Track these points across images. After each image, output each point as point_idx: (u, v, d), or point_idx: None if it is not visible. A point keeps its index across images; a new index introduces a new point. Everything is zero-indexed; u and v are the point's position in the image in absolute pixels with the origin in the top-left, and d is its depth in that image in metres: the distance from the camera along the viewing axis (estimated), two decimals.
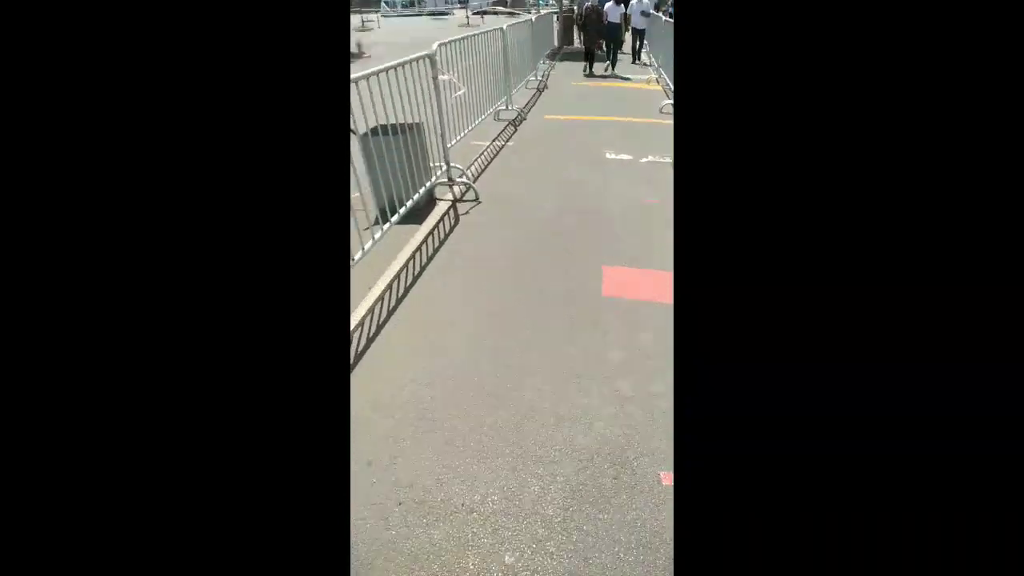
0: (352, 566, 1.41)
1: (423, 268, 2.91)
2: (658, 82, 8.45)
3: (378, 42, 15.24)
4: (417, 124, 3.45)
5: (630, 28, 10.12)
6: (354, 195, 2.44)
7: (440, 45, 3.72)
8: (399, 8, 37.36)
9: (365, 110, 2.65)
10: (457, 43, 4.27)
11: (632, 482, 1.64)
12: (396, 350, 2.27)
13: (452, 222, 3.49)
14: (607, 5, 9.14)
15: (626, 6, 9.80)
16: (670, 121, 6.04)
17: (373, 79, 2.69)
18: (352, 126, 2.56)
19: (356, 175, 2.65)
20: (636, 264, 2.92)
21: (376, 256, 2.83)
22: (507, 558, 1.44)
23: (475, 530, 1.51)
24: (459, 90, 3.81)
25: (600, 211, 3.61)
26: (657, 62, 9.38)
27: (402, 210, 3.14)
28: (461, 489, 1.64)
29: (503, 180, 4.22)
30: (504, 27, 5.87)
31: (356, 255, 2.57)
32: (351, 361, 2.20)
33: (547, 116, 6.32)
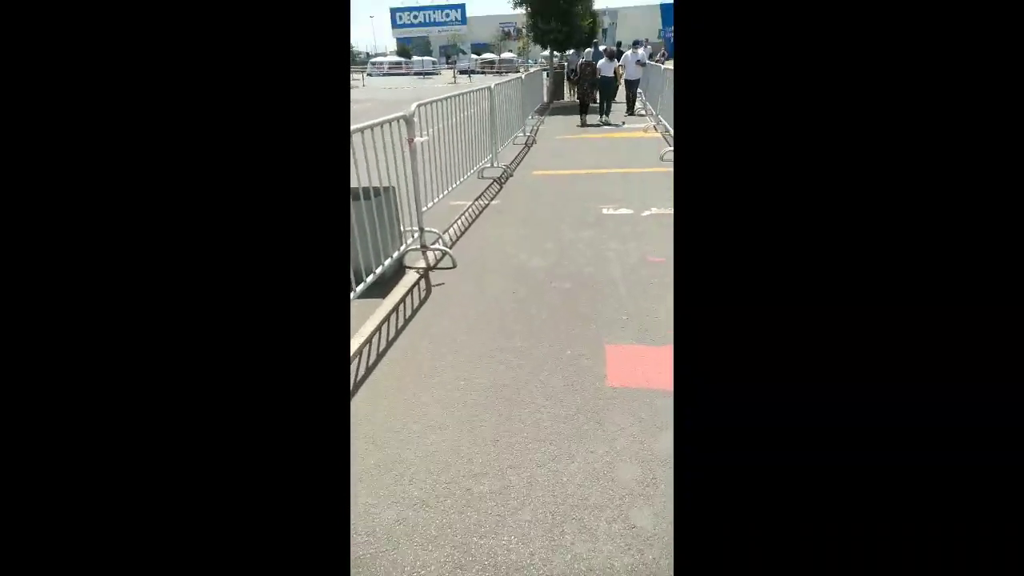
0: None
1: (380, 355, 2.48)
2: (656, 129, 8.41)
3: (359, 99, 15.68)
4: (388, 188, 3.16)
5: (623, 80, 10.32)
6: None
7: (419, 105, 3.51)
8: (386, 67, 39.34)
9: None
10: (439, 103, 4.09)
11: None
12: None
13: (422, 295, 3.10)
14: (600, 61, 9.67)
15: (619, 59, 10.14)
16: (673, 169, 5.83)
17: None
18: None
19: None
20: (646, 338, 2.49)
21: None
22: None
23: None
24: (422, 137, 3.56)
25: (598, 275, 3.22)
26: (655, 109, 9.44)
27: (360, 287, 2.76)
28: None
29: (484, 243, 3.88)
30: (492, 85, 5.80)
31: None
32: None
33: (536, 172, 6.13)
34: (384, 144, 2.99)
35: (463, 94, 4.85)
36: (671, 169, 5.79)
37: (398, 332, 2.69)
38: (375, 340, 2.62)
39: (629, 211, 4.43)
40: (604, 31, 18.10)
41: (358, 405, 2.13)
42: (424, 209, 3.74)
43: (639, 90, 10.47)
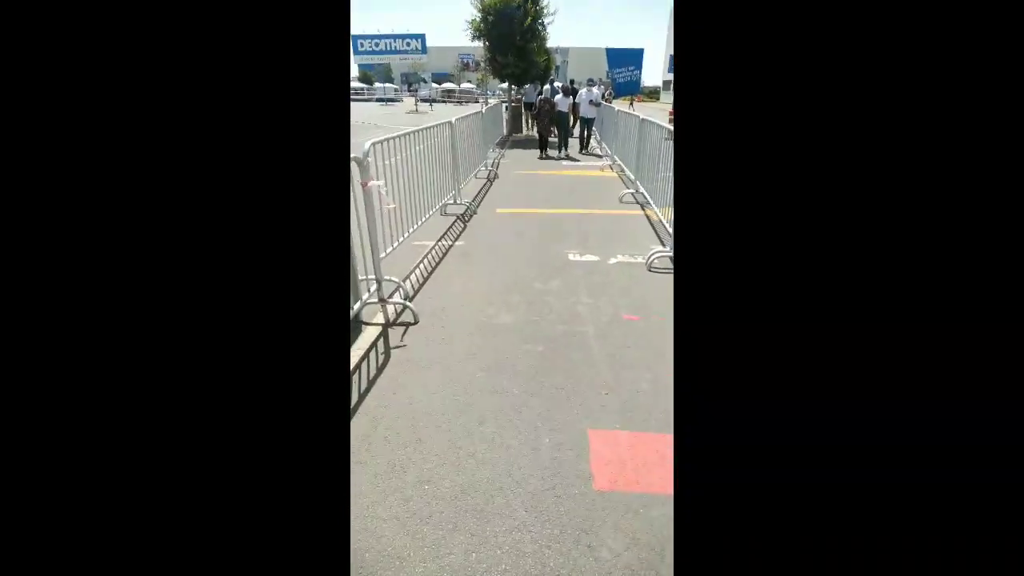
0: None
1: None
2: (612, 168, 8.33)
3: None
4: None
5: (579, 118, 10.28)
6: None
7: (373, 144, 3.12)
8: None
9: None
10: (395, 140, 3.71)
11: None
12: None
13: (380, 360, 2.67)
14: (557, 97, 9.97)
15: (574, 97, 10.17)
16: (632, 211, 5.67)
17: None
18: None
19: None
20: (631, 420, 2.17)
21: None
22: None
23: None
24: (389, 204, 3.17)
25: (571, 335, 2.91)
26: (610, 150, 9.40)
27: None
28: None
29: (448, 294, 3.50)
30: (453, 120, 5.48)
31: None
32: None
33: (499, 209, 5.82)
34: None
35: (422, 130, 4.50)
36: (630, 212, 5.64)
37: (355, 407, 2.26)
38: None
39: (595, 258, 4.18)
40: (557, 68, 18.31)
41: None
42: (384, 255, 3.33)
43: (594, 128, 10.44)
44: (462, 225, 5.15)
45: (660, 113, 8.10)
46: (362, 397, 2.35)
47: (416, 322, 3.07)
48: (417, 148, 4.32)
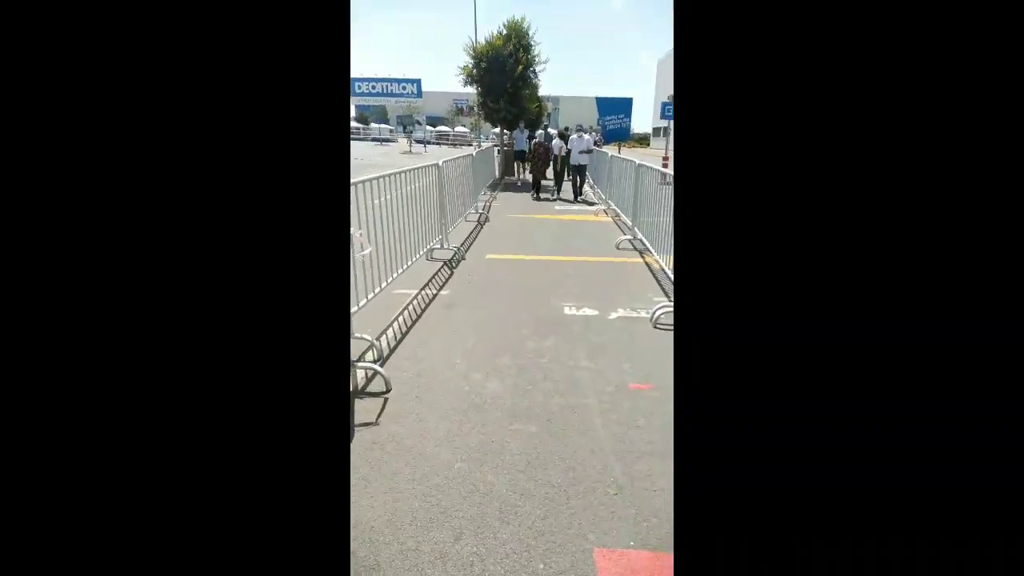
0: None
1: None
2: (607, 213, 8.05)
3: None
4: None
5: (570, 165, 10.08)
6: None
7: (353, 184, 2.72)
8: None
9: None
10: (376, 182, 3.33)
11: None
12: None
13: None
14: (554, 141, 10.32)
15: (565, 142, 10.05)
16: (631, 259, 5.30)
17: None
18: None
19: None
20: (648, 534, 1.68)
21: None
22: None
23: None
24: (365, 250, 2.75)
25: (571, 410, 2.44)
26: (603, 195, 9.17)
27: None
28: None
29: (428, 355, 3.03)
30: (440, 162, 5.14)
31: None
32: None
33: (489, 255, 5.42)
34: None
35: (407, 171, 4.13)
36: (629, 259, 5.27)
37: None
38: None
39: (593, 312, 3.75)
40: (549, 115, 18.49)
41: None
42: (357, 308, 2.88)
43: (587, 174, 10.19)
44: (448, 272, 4.72)
45: (651, 158, 7.92)
46: None
47: (388, 391, 2.58)
48: (404, 190, 3.94)
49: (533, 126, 13.66)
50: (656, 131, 44.13)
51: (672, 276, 4.03)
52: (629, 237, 5.94)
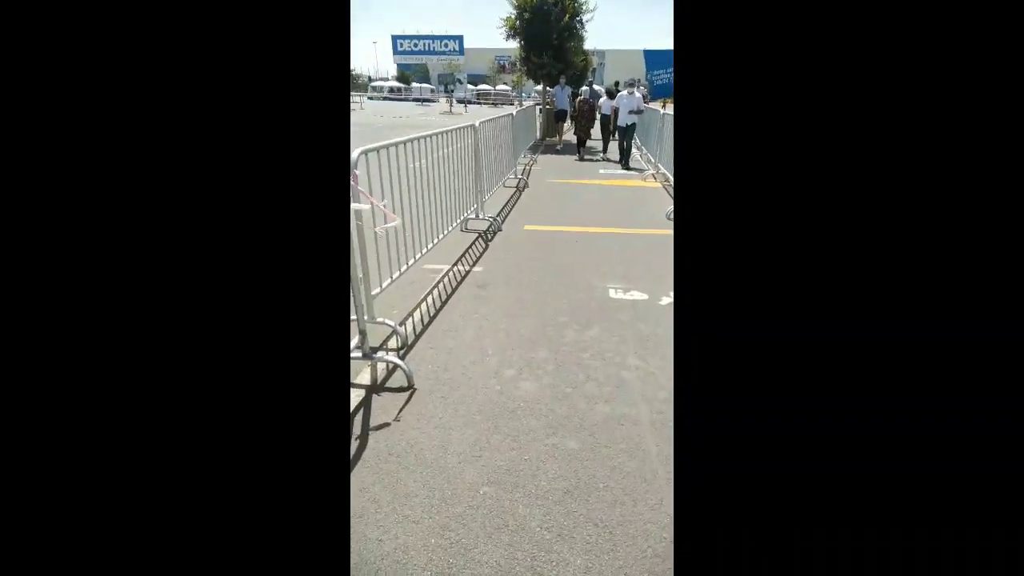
0: None
1: None
2: (656, 178, 7.39)
3: (356, 123, 14.55)
4: None
5: (617, 127, 8.92)
6: None
7: (363, 153, 2.34)
8: (385, 91, 39.03)
9: None
10: (405, 146, 2.95)
11: None
12: None
13: (354, 447, 1.90)
14: (601, 100, 9.59)
15: (613, 100, 9.12)
16: None
17: None
18: None
19: None
20: None
21: None
22: None
23: None
24: (391, 223, 2.39)
25: (617, 421, 2.07)
26: (652, 158, 8.42)
27: None
28: None
29: (456, 346, 2.70)
30: (476, 123, 4.68)
31: None
32: None
33: (528, 226, 5.00)
34: None
35: (439, 133, 3.73)
36: None
37: None
38: None
39: (643, 296, 3.31)
40: (594, 70, 17.30)
41: None
42: (378, 290, 2.58)
43: (635, 139, 9.21)
44: (483, 245, 4.35)
45: None
46: None
47: (410, 388, 2.28)
48: (437, 155, 3.55)
49: (578, 82, 12.76)
50: None
51: None
52: None
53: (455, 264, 3.85)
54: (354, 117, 16.60)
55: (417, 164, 3.19)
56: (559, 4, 10.90)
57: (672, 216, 5.21)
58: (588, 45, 13.29)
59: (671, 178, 6.38)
